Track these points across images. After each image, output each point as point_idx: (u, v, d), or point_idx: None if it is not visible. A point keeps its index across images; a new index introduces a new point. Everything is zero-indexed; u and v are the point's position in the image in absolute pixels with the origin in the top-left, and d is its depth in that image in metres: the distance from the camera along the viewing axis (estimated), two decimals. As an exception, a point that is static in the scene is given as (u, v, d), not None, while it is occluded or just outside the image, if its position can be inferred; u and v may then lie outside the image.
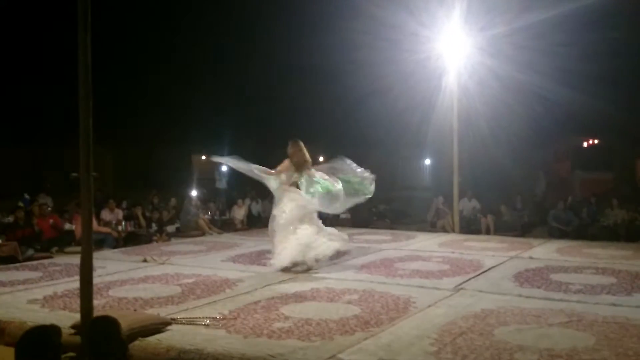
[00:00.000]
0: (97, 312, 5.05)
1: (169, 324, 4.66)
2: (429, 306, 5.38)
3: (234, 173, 23.49)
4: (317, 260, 7.33)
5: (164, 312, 5.13)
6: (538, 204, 15.22)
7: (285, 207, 7.49)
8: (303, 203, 7.48)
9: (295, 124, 21.92)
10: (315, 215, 7.66)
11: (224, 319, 4.88)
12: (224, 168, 23.35)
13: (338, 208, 7.85)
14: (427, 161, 28.36)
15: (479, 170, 17.15)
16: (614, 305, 5.37)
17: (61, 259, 8.56)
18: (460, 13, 11.69)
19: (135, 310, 5.22)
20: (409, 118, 17.73)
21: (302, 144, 7.80)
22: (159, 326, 4.58)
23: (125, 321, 4.45)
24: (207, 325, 4.70)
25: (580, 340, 4.29)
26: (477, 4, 11.54)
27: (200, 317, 4.89)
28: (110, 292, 6.07)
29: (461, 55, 11.99)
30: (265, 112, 24.69)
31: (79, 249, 9.85)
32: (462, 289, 6.21)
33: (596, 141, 24.82)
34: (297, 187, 7.64)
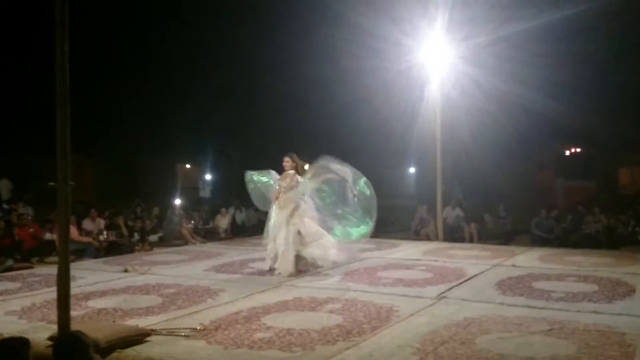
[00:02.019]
0: (75, 323, 4.98)
1: (148, 335, 4.60)
2: (412, 315, 5.37)
3: (218, 182, 23.50)
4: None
5: (144, 323, 5.05)
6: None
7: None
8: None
9: (280, 133, 21.91)
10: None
11: (204, 329, 4.82)
12: (208, 177, 23.27)
13: None
14: (412, 170, 28.43)
15: (462, 179, 17.23)
16: (596, 312, 5.39)
17: (41, 270, 8.41)
18: (442, 23, 11.79)
19: (114, 321, 5.14)
20: (393, 127, 17.80)
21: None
22: (138, 337, 4.51)
23: (103, 333, 4.40)
24: (187, 337, 4.63)
25: (561, 349, 4.30)
26: (459, 15, 11.63)
27: (180, 328, 4.82)
28: (90, 303, 5.98)
29: (444, 65, 12.07)
30: (250, 120, 24.64)
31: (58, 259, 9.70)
32: (444, 297, 6.21)
33: (578, 150, 25.07)
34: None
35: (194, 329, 4.81)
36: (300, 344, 4.40)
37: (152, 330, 4.77)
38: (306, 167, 8.31)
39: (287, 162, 7.95)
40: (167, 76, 24.14)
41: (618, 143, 21.38)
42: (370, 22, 13.47)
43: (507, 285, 6.82)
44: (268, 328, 4.87)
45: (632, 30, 15.84)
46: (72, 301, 5.94)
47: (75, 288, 6.80)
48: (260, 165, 8.64)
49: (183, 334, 4.68)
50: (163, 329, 4.80)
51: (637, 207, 12.77)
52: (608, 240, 11.32)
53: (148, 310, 5.60)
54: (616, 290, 6.42)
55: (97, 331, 4.45)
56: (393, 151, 21.95)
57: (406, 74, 12.94)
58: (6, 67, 18.97)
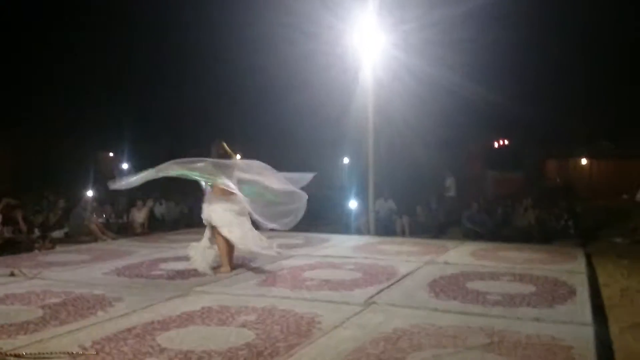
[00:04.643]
0: None
1: (7, 364, 3.69)
2: (335, 327, 4.68)
3: (136, 172, 22.16)
4: None
5: (10, 345, 4.13)
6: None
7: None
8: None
9: (210, 121, 20.91)
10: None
11: (82, 354, 3.95)
12: (125, 166, 21.88)
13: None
14: (345, 160, 27.92)
15: (395, 170, 16.84)
16: (537, 320, 4.88)
17: None
18: (373, 7, 11.24)
19: (-34, 346, 4.17)
20: (326, 115, 17.23)
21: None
22: (-7, 368, 3.60)
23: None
24: (58, 364, 3.76)
25: (503, 369, 3.72)
26: None
27: (50, 353, 3.93)
28: (-47, 318, 4.95)
29: (376, 51, 11.51)
30: (177, 107, 23.44)
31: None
32: (373, 302, 5.57)
33: (506, 142, 25.36)
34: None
35: (70, 354, 3.93)
36: (197, 373, 3.62)
37: (16, 355, 3.86)
38: (238, 156, 7.69)
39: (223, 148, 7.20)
40: (89, 60, 22.60)
41: (543, 135, 21.67)
42: (304, 5, 12.83)
43: (440, 287, 6.28)
44: (162, 350, 4.05)
45: (560, 18, 15.90)
46: None
47: (-57, 298, 5.77)
48: (188, 153, 7.81)
49: (53, 362, 3.80)
50: (29, 354, 3.90)
51: (569, 200, 12.66)
52: (539, 234, 11.09)
53: (21, 327, 4.65)
54: (555, 292, 5.98)
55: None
56: (326, 141, 21.38)
57: (340, 59, 12.35)
58: None
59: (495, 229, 11.84)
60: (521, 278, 6.76)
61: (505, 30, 15.30)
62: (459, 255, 8.68)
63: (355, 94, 12.47)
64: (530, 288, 6.19)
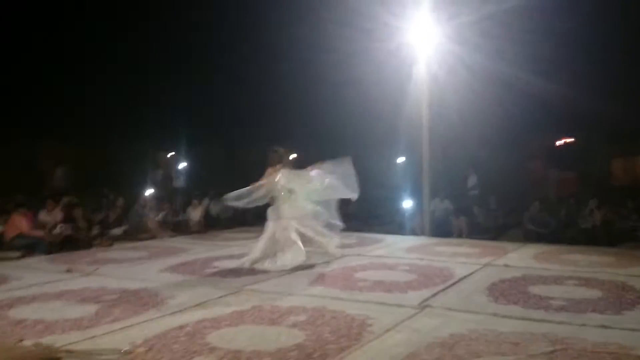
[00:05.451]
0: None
1: (58, 359, 3.71)
2: (388, 330, 4.52)
3: (193, 171, 22.56)
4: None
5: (64, 341, 4.18)
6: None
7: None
8: None
9: (261, 119, 21.01)
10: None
11: (133, 352, 3.94)
12: (182, 165, 22.32)
13: None
14: (400, 158, 27.55)
15: (451, 169, 16.42)
16: (604, 327, 4.57)
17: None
18: (428, 2, 10.98)
19: (21, 340, 4.23)
20: (380, 112, 16.99)
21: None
22: (44, 364, 3.63)
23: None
24: (108, 362, 3.76)
25: (568, 380, 3.47)
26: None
27: (101, 350, 3.94)
28: (11, 312, 5.08)
29: (431, 45, 11.23)
30: (231, 105, 23.65)
31: (6, 254, 8.75)
32: (428, 305, 5.37)
33: (569, 139, 24.34)
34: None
35: (120, 351, 3.93)
36: (245, 374, 3.54)
37: (69, 351, 3.89)
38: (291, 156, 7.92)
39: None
40: (148, 64, 23.12)
41: (612, 132, 20.69)
42: (359, 2, 12.65)
43: (500, 290, 5.99)
44: (212, 350, 4.00)
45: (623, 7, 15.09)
46: (-6, 309, 5.13)
47: (5, 292, 5.95)
48: (239, 154, 7.95)
49: (103, 358, 3.80)
50: (81, 351, 3.92)
51: (637, 200, 11.97)
52: (606, 236, 10.53)
53: (75, 323, 4.71)
54: (623, 297, 5.60)
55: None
56: (382, 138, 21.07)
57: (393, 56, 12.10)
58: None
59: (558, 230, 11.32)
60: (586, 282, 6.39)
61: (564, 21, 14.63)
62: (520, 258, 8.32)
63: (410, 91, 12.21)
64: (596, 293, 5.83)
